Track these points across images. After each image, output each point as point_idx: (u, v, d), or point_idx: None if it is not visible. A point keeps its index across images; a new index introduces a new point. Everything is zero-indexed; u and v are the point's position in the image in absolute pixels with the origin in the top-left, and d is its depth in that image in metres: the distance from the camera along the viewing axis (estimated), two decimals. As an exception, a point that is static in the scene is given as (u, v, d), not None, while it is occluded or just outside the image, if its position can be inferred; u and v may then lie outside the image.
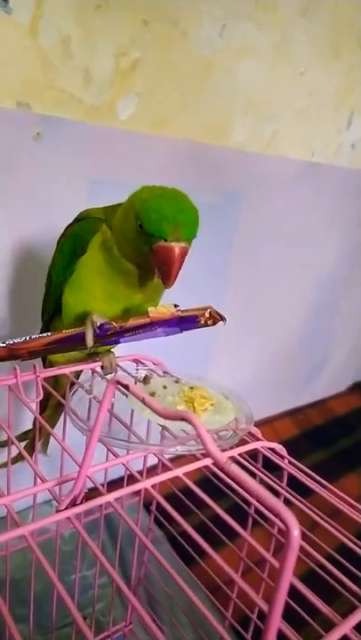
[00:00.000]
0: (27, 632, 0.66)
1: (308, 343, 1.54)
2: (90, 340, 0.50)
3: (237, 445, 0.46)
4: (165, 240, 0.46)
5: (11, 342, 0.49)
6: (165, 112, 0.91)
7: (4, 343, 0.49)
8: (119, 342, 0.52)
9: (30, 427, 0.72)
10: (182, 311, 0.52)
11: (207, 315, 0.51)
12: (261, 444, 0.46)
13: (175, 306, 0.52)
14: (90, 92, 0.79)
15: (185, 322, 0.51)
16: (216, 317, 0.52)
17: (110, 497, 0.38)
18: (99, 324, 0.50)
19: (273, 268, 1.28)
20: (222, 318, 0.52)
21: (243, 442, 0.47)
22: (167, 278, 0.47)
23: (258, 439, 0.47)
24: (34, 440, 0.67)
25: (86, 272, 0.53)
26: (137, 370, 0.58)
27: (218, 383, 0.55)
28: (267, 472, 0.48)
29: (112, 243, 0.50)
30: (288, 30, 1.02)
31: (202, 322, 0.51)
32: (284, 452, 0.47)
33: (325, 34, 1.10)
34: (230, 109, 1.00)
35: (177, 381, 0.56)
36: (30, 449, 0.71)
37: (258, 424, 0.48)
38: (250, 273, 1.22)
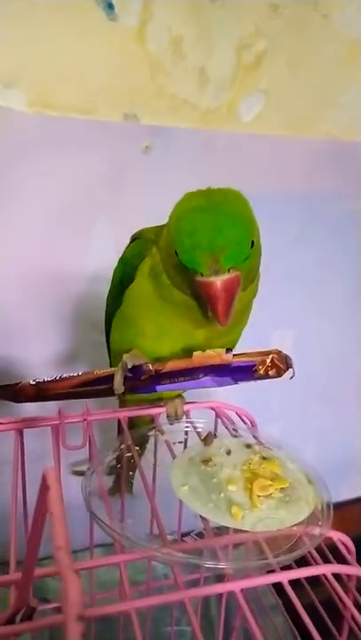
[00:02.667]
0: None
1: None
2: (118, 385, 0.41)
3: (298, 562, 0.32)
4: (202, 275, 0.36)
5: (40, 380, 0.43)
6: (300, 108, 0.77)
7: (34, 381, 0.43)
8: (155, 390, 0.42)
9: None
10: (236, 355, 0.40)
11: (268, 362, 0.38)
12: (332, 569, 0.31)
13: (228, 350, 0.40)
14: (206, 95, 0.71)
15: (239, 370, 0.39)
16: (280, 367, 0.38)
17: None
18: (130, 366, 0.41)
19: None
20: (289, 366, 0.39)
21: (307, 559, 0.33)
22: (216, 317, 0.37)
23: (328, 560, 0.32)
24: (120, 478, 0.61)
25: (133, 303, 0.44)
26: (200, 425, 0.47)
27: (304, 458, 0.41)
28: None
29: (160, 269, 0.40)
30: None
31: (261, 371, 0.39)
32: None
33: None
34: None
35: (248, 446, 0.43)
36: (116, 488, 0.66)
37: None
38: None
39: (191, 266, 0.36)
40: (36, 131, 0.64)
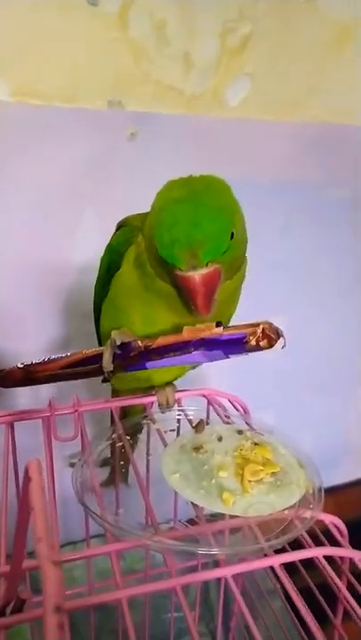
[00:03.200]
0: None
1: None
2: (107, 363, 0.41)
3: (292, 546, 0.32)
4: (181, 269, 0.35)
5: (28, 363, 0.43)
6: (287, 93, 0.76)
7: (22, 364, 0.43)
8: (145, 367, 0.41)
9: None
10: (226, 328, 0.40)
11: (259, 332, 0.38)
12: (325, 552, 0.31)
13: (218, 324, 0.40)
14: (191, 80, 0.70)
15: (229, 343, 0.39)
16: (271, 337, 0.38)
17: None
18: (119, 343, 0.41)
19: None
20: (280, 336, 0.39)
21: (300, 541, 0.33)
22: (195, 309, 0.37)
23: (321, 543, 0.32)
24: (114, 469, 0.61)
25: (120, 292, 0.44)
26: (192, 412, 0.47)
27: (296, 443, 0.41)
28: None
29: (145, 258, 0.40)
30: None
31: (252, 342, 0.38)
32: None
33: None
34: (377, 79, 0.81)
35: (240, 432, 0.43)
36: (111, 479, 0.66)
37: None
38: None
39: (170, 261, 0.36)
40: (19, 120, 0.63)
